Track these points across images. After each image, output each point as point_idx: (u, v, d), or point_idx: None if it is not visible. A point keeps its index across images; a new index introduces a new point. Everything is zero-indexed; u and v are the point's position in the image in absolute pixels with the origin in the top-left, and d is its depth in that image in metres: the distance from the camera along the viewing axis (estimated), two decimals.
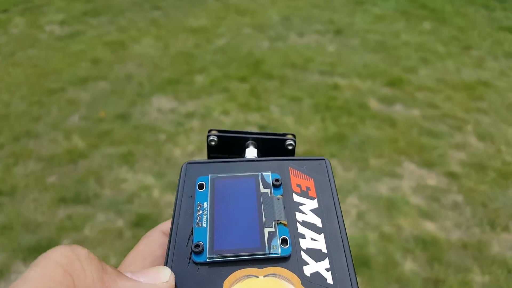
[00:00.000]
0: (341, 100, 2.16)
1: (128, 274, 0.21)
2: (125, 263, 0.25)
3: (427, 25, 3.02)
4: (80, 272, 0.18)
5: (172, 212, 0.26)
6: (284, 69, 2.43)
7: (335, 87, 2.26)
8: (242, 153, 0.34)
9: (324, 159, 0.30)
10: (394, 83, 2.28)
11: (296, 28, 2.94)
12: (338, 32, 2.89)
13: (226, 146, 0.34)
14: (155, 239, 0.26)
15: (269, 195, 0.26)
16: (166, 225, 0.27)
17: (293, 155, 0.34)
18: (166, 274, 0.22)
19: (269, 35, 2.83)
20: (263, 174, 0.28)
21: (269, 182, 0.27)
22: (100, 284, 0.19)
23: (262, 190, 0.27)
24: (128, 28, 2.94)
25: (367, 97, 2.19)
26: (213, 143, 0.34)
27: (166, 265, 0.23)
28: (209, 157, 0.35)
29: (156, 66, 2.47)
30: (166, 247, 0.25)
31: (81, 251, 0.19)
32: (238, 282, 0.22)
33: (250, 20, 3.09)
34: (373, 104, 2.14)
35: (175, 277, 0.22)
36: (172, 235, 0.25)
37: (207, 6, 3.32)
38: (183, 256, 0.24)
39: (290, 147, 0.33)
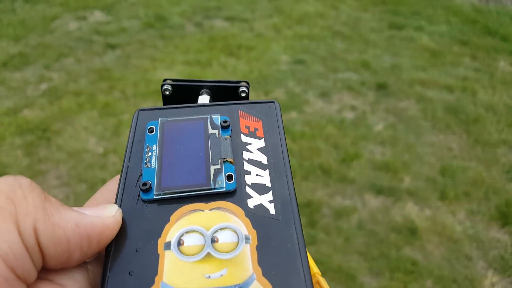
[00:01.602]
0: None
1: (74, 208, 0.21)
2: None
3: (505, 66, 2.07)
4: (21, 199, 0.18)
5: (123, 158, 0.26)
6: (313, 192, 1.47)
7: (412, 247, 1.32)
8: (196, 102, 0.33)
9: (273, 102, 0.30)
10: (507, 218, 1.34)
11: (317, 81, 1.97)
12: (381, 87, 1.92)
13: (181, 95, 0.34)
14: (111, 188, 0.26)
15: (217, 135, 0.27)
16: None
17: None
18: (112, 209, 0.22)
19: (275, 98, 1.85)
20: (212, 116, 0.28)
21: (217, 123, 0.27)
22: (42, 212, 0.19)
23: (211, 131, 0.27)
24: (65, 90, 1.93)
25: None
26: (167, 92, 0.34)
27: (116, 204, 0.23)
28: None
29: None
30: None
31: (24, 180, 0.19)
32: (184, 216, 0.22)
33: (245, 67, 2.09)
34: None
35: (123, 214, 0.23)
36: (122, 176, 0.25)
37: (183, 41, 2.30)
38: (132, 195, 0.24)
39: (243, 94, 0.33)
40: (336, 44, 2.28)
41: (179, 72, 2.04)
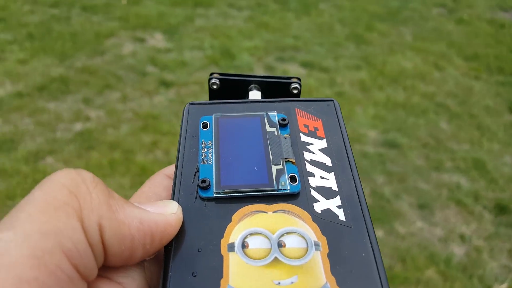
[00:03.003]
0: None
1: (136, 204, 0.20)
2: None
3: None
4: (85, 194, 0.18)
5: (176, 153, 0.25)
6: None
7: None
8: (245, 97, 0.33)
9: (332, 100, 0.29)
10: None
11: (414, 181, 1.49)
12: (502, 209, 1.41)
13: (229, 90, 0.33)
14: (159, 181, 0.25)
15: (276, 133, 0.26)
16: (169, 169, 0.26)
17: None
18: (174, 206, 0.21)
19: None
20: (269, 113, 0.27)
21: (275, 121, 0.26)
22: (107, 208, 0.18)
23: (269, 129, 0.26)
24: None
25: None
26: (214, 86, 0.33)
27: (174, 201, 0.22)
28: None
29: None
30: (170, 189, 0.24)
31: (87, 174, 0.19)
32: (246, 217, 0.21)
33: None
34: None
35: (183, 211, 0.22)
36: (177, 172, 0.24)
37: None
38: (189, 192, 0.23)
39: (295, 91, 0.32)
40: (440, 124, 1.78)
41: None
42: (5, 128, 1.61)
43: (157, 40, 2.21)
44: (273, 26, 2.41)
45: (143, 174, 1.46)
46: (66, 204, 0.17)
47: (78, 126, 1.65)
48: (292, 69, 2.07)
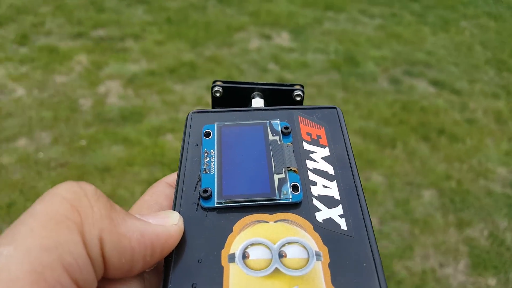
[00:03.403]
0: None
1: (137, 215, 0.20)
2: (130, 212, 0.22)
3: None
4: (87, 208, 0.18)
5: (178, 162, 0.25)
6: None
7: None
8: (248, 105, 0.33)
9: (335, 108, 0.29)
10: None
11: None
12: None
13: (232, 98, 0.33)
14: (161, 190, 0.25)
15: (278, 142, 0.26)
16: (171, 177, 0.26)
17: None
18: (175, 217, 0.21)
19: (472, 237, 1.24)
20: (272, 122, 0.27)
21: (278, 129, 0.26)
22: (109, 222, 0.18)
23: (271, 137, 0.26)
24: None
25: None
26: (217, 94, 0.33)
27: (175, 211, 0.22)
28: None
29: None
30: (172, 197, 0.24)
31: (88, 187, 0.19)
32: (248, 227, 0.21)
33: (441, 165, 1.51)
34: None
35: (183, 221, 0.22)
36: (179, 181, 0.24)
37: (368, 100, 1.81)
38: (191, 202, 0.23)
39: (298, 98, 0.32)
40: None
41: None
42: (136, 102, 1.75)
43: (283, 38, 2.23)
44: (406, 38, 2.27)
45: None
46: (67, 218, 0.17)
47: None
48: (420, 86, 1.93)
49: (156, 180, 0.26)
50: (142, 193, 0.25)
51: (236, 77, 1.91)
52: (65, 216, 0.17)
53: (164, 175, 0.26)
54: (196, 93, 1.81)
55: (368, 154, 1.56)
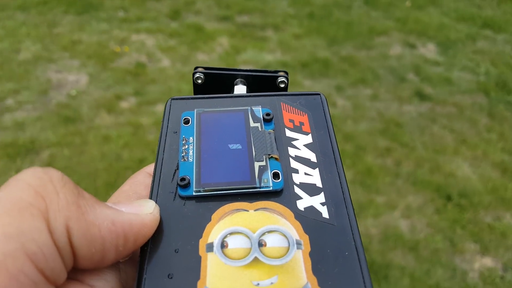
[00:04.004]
0: None
1: (109, 204, 0.19)
2: (108, 202, 0.21)
3: None
4: (53, 194, 0.17)
5: (156, 150, 0.25)
6: None
7: None
8: (230, 92, 0.32)
9: (319, 94, 0.28)
10: None
11: None
12: None
13: (214, 84, 0.32)
14: (140, 180, 0.24)
15: (260, 129, 0.25)
16: (151, 167, 0.25)
17: None
18: (150, 206, 0.20)
19: None
20: (253, 108, 0.26)
21: (259, 116, 0.26)
22: (76, 209, 0.17)
23: (252, 124, 0.25)
24: None
25: None
26: (199, 80, 0.32)
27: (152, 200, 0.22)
28: None
29: None
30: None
31: (55, 173, 0.18)
32: (227, 215, 0.21)
33: None
34: None
35: (160, 211, 0.21)
36: (156, 170, 0.23)
37: (507, 131, 1.58)
38: (168, 190, 0.22)
39: (282, 85, 0.32)
40: None
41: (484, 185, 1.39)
42: None
43: (429, 50, 2.07)
44: None
45: (368, 174, 1.40)
46: (31, 204, 0.16)
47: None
48: None
49: None
50: None
51: (370, 81, 1.83)
52: (28, 202, 0.16)
53: None
54: (325, 90, 1.78)
55: (505, 191, 1.37)
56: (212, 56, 1.98)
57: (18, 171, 1.39)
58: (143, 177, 0.24)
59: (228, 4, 2.39)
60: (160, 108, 1.65)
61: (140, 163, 1.39)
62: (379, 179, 1.41)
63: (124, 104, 1.66)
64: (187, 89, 1.74)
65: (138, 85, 1.76)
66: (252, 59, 1.96)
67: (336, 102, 1.73)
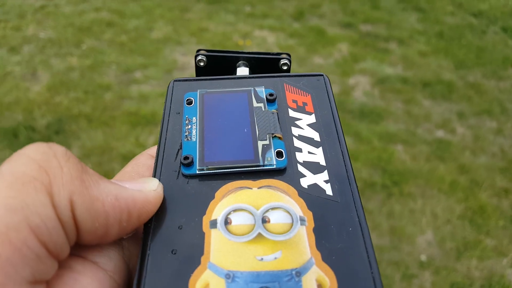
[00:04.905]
0: None
1: (113, 180, 0.19)
2: None
3: None
4: (56, 169, 0.17)
5: (159, 130, 0.25)
6: None
7: None
8: (233, 75, 0.31)
9: (322, 75, 0.28)
10: None
11: None
12: None
13: (216, 67, 0.32)
14: (143, 162, 0.24)
15: (263, 109, 0.25)
16: (154, 150, 0.25)
17: None
18: (154, 183, 0.21)
19: None
20: (256, 89, 0.27)
21: (262, 96, 0.26)
22: (79, 183, 0.17)
23: (255, 104, 0.25)
24: None
25: None
26: (201, 63, 0.32)
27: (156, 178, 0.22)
28: None
29: None
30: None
31: (59, 148, 0.18)
32: (230, 193, 0.21)
33: None
34: None
35: (163, 189, 0.21)
36: (159, 149, 0.24)
37: None
38: (172, 169, 0.22)
39: (285, 67, 0.31)
40: None
41: None
42: (379, 103, 1.73)
43: None
44: None
45: (480, 212, 1.28)
46: (35, 178, 0.16)
47: (440, 133, 1.59)
48: None
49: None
50: None
51: (496, 114, 1.68)
52: (32, 176, 0.16)
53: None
54: (444, 115, 1.67)
55: None
56: (328, 61, 1.96)
57: (137, 138, 1.52)
58: (146, 158, 0.24)
59: (354, 11, 2.36)
60: None
61: None
62: (491, 220, 1.29)
63: None
64: None
65: None
66: (370, 69, 1.91)
67: (456, 129, 1.61)
